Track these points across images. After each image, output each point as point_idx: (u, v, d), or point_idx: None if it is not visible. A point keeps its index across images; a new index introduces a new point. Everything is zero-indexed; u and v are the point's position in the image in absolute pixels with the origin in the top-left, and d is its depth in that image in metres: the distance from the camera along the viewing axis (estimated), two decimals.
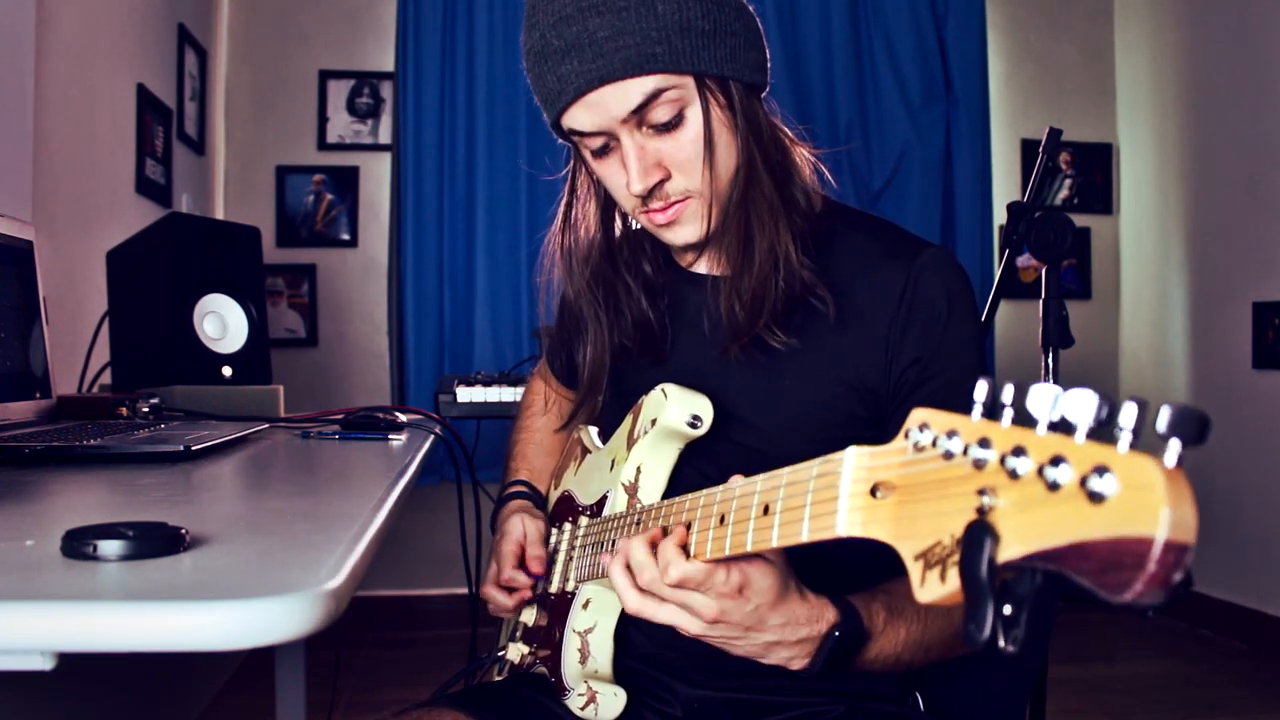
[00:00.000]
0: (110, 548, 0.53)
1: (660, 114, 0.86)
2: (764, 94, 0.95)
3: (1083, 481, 0.41)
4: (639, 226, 1.00)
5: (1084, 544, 0.40)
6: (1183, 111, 3.55)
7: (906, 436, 0.53)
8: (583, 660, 0.95)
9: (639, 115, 0.86)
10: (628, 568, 0.78)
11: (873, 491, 0.56)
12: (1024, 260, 3.55)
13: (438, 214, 3.46)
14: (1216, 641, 3.26)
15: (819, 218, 0.97)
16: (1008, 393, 0.47)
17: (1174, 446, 0.40)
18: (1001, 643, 0.44)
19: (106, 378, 1.86)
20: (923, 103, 3.61)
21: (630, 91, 0.85)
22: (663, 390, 0.93)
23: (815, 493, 0.62)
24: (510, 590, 1.08)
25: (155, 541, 0.55)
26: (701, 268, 1.02)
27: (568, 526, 1.08)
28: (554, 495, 1.16)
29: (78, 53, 2.22)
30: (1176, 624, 3.42)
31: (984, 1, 3.71)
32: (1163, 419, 0.40)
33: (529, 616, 1.10)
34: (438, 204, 3.46)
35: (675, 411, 0.91)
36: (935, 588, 0.48)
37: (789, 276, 0.91)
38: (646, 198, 0.91)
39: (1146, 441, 0.40)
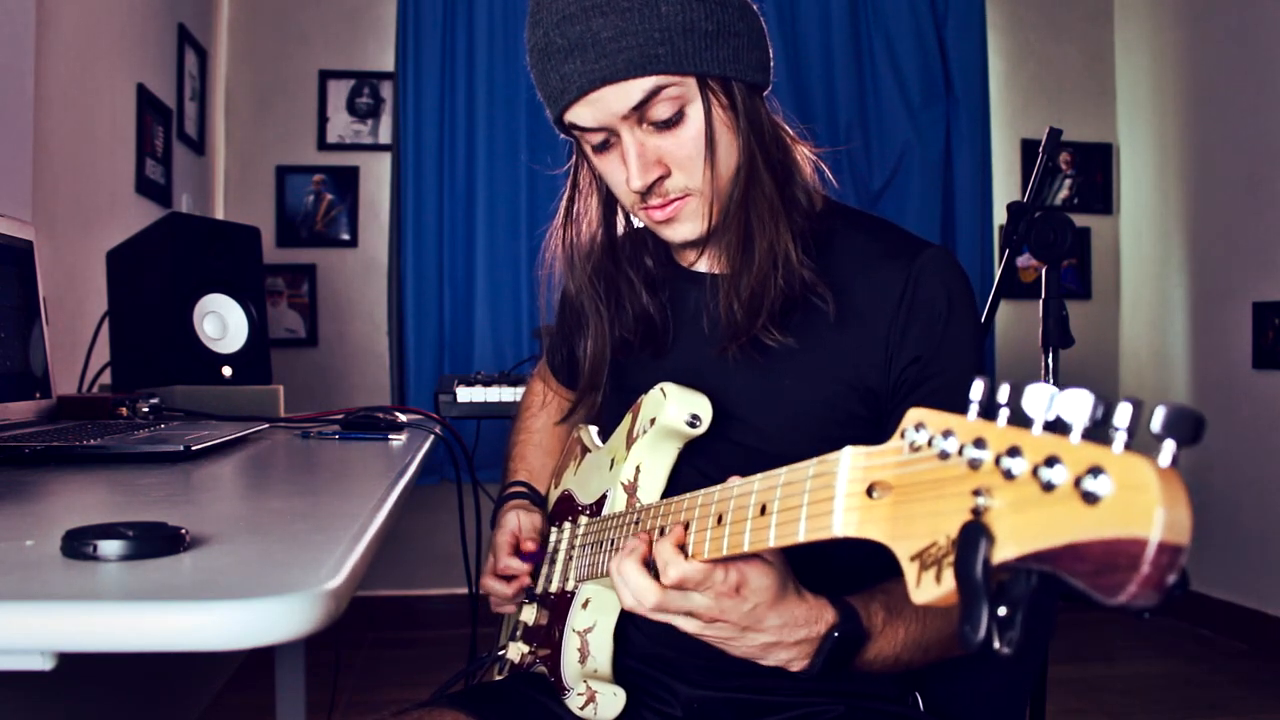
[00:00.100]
0: (110, 548, 0.54)
1: (660, 111, 0.87)
2: (766, 92, 0.95)
3: (1077, 482, 0.40)
4: (640, 223, 1.00)
5: (1078, 545, 0.40)
6: (1183, 111, 3.54)
7: (903, 436, 0.53)
8: (582, 660, 0.95)
9: (639, 112, 0.87)
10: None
11: (869, 492, 0.56)
12: (1024, 260, 3.55)
13: (438, 214, 3.46)
14: (1216, 641, 3.26)
15: (819, 217, 0.97)
16: (1004, 393, 0.47)
17: (1168, 447, 0.40)
18: (996, 644, 0.44)
19: (106, 378, 1.86)
20: (923, 103, 3.61)
21: (631, 90, 0.86)
22: (662, 389, 0.93)
23: (811, 493, 0.62)
24: (509, 580, 1.08)
25: (155, 541, 0.55)
26: (702, 266, 1.02)
27: (567, 526, 1.08)
28: (554, 494, 1.16)
29: (78, 53, 2.22)
30: (1176, 624, 3.42)
31: (984, 1, 3.71)
32: (1157, 419, 0.40)
33: (529, 616, 1.11)
34: (438, 204, 3.46)
35: (674, 411, 0.91)
36: (931, 589, 0.48)
37: (789, 276, 0.91)
38: (645, 194, 0.91)
39: (1142, 442, 0.40)
